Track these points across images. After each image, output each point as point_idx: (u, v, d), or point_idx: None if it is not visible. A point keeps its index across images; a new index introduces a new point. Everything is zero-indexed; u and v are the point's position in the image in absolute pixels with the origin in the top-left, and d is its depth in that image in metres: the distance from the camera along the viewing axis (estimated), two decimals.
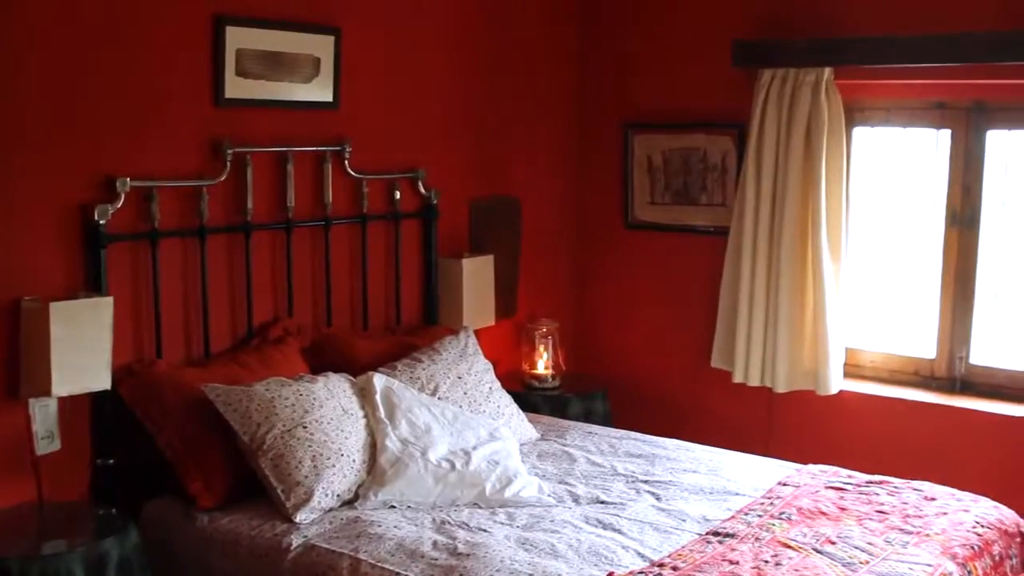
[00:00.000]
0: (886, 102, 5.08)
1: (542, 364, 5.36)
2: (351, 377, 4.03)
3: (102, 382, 3.61)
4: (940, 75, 4.76)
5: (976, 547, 3.42)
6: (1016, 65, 4.51)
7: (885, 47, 4.73)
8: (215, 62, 4.04)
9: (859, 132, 5.16)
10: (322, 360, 4.29)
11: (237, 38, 4.07)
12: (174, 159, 3.97)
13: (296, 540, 3.43)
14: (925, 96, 4.95)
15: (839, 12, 4.92)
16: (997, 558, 3.49)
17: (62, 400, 3.63)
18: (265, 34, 4.17)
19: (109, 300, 3.62)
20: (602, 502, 3.79)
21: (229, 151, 4.07)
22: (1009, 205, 4.89)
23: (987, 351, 4.97)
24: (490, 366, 4.58)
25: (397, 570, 3.21)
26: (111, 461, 3.77)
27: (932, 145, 5.02)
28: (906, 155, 5.14)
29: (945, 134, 4.95)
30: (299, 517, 3.53)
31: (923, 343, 5.10)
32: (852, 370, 5.20)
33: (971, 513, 3.64)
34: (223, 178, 4.08)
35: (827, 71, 4.86)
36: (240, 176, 4.15)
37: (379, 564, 3.25)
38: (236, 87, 4.11)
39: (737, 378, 5.16)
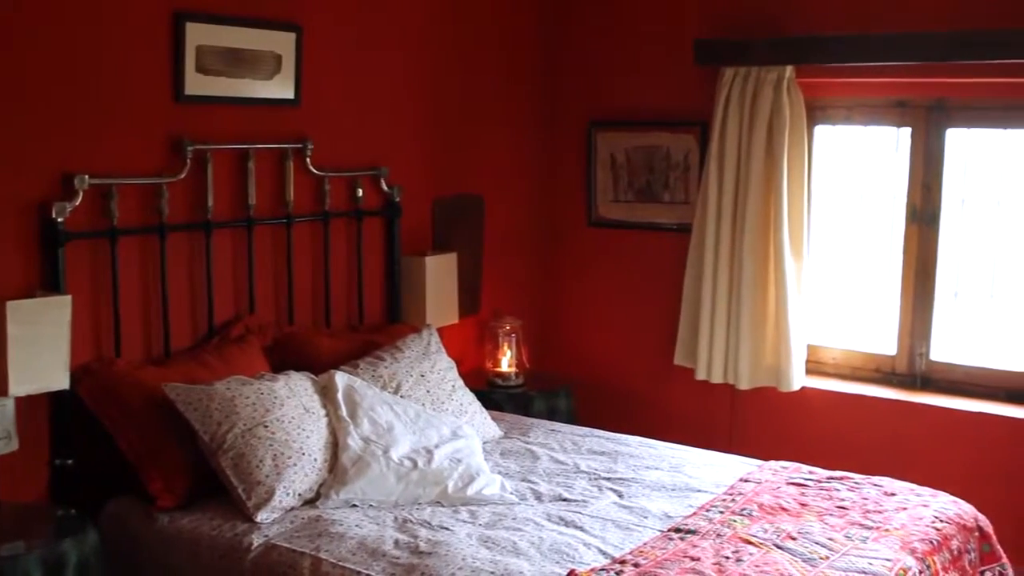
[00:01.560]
0: (847, 100, 5.11)
1: (505, 362, 5.36)
2: (313, 376, 4.01)
3: (60, 382, 3.58)
4: (901, 74, 4.80)
5: (935, 542, 3.45)
6: (975, 64, 4.55)
7: (846, 46, 4.76)
8: (175, 58, 4.01)
9: (820, 130, 5.19)
10: (284, 358, 4.27)
11: (197, 34, 4.04)
12: (134, 156, 3.93)
13: (257, 540, 3.41)
14: (886, 95, 4.99)
15: (801, 11, 4.95)
16: (955, 552, 3.51)
17: (19, 400, 3.58)
18: (226, 31, 4.15)
19: (67, 299, 3.59)
20: (565, 499, 3.79)
21: (189, 148, 4.04)
22: (969, 203, 4.94)
23: (947, 348, 5.01)
24: (453, 364, 4.57)
25: (358, 569, 3.19)
26: (70, 461, 3.74)
27: (893, 143, 5.06)
28: (867, 153, 5.17)
29: (905, 132, 4.99)
30: (260, 516, 3.51)
31: (884, 340, 5.14)
32: (814, 367, 5.24)
33: (930, 508, 3.67)
34: (183, 175, 4.04)
35: (788, 69, 4.89)
36: (201, 173, 4.11)
37: (340, 563, 3.23)
38: (196, 84, 4.08)
39: (700, 375, 5.18)
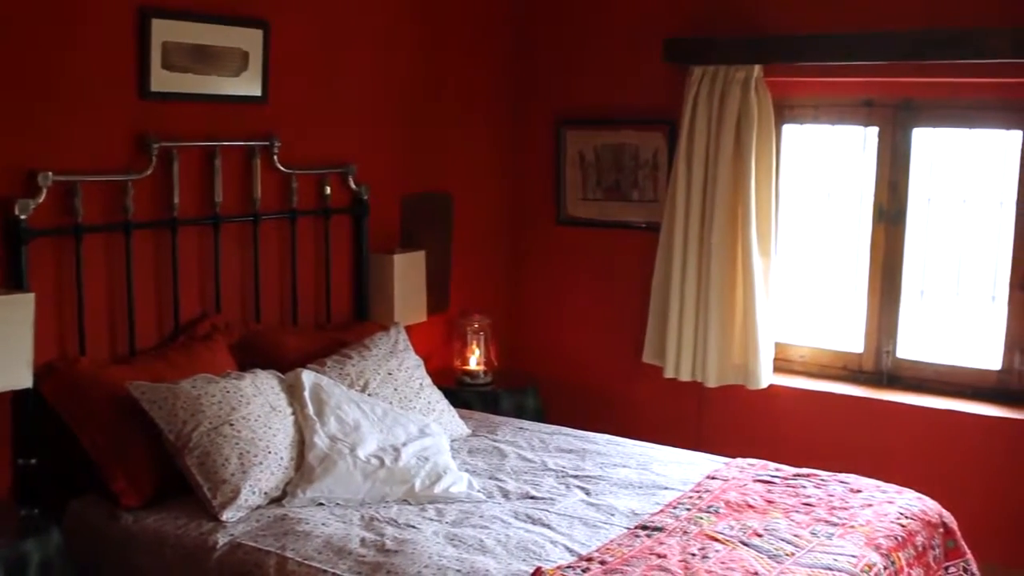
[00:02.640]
0: (815, 100, 5.13)
1: (474, 360, 5.35)
2: (279, 374, 3.99)
3: (23, 380, 3.53)
4: (868, 73, 4.82)
5: (900, 538, 3.47)
6: (942, 63, 4.58)
7: (814, 45, 4.79)
8: (141, 55, 3.98)
9: (788, 129, 5.21)
10: (251, 357, 4.24)
11: (163, 31, 4.01)
12: (98, 153, 3.90)
13: (222, 539, 3.39)
14: (853, 94, 5.01)
15: (769, 10, 4.97)
16: (920, 548, 3.54)
17: None
18: (192, 27, 4.12)
19: (30, 297, 3.54)
20: (532, 497, 3.79)
21: (155, 145, 4.01)
22: (935, 201, 4.97)
23: (913, 345, 5.04)
24: (421, 362, 4.57)
25: (324, 568, 3.18)
26: (33, 461, 3.70)
27: (860, 142, 5.09)
28: (834, 152, 5.20)
29: (872, 131, 5.01)
30: (225, 515, 3.49)
31: (851, 338, 5.17)
32: (782, 364, 5.26)
33: (895, 505, 3.69)
34: (149, 172, 4.01)
35: (757, 68, 4.90)
36: (166, 171, 4.08)
37: (306, 562, 3.22)
38: (162, 80, 4.05)
39: (668, 373, 5.19)
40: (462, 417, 4.56)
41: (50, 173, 3.68)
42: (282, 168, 4.51)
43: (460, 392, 5.12)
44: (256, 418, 3.71)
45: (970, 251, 4.97)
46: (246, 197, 4.42)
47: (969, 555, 3.78)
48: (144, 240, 4.06)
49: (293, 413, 3.85)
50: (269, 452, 3.66)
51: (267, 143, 4.45)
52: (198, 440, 3.59)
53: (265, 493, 3.62)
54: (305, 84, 4.64)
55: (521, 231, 5.85)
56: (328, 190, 4.73)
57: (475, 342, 5.37)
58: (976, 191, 4.91)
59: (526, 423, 4.70)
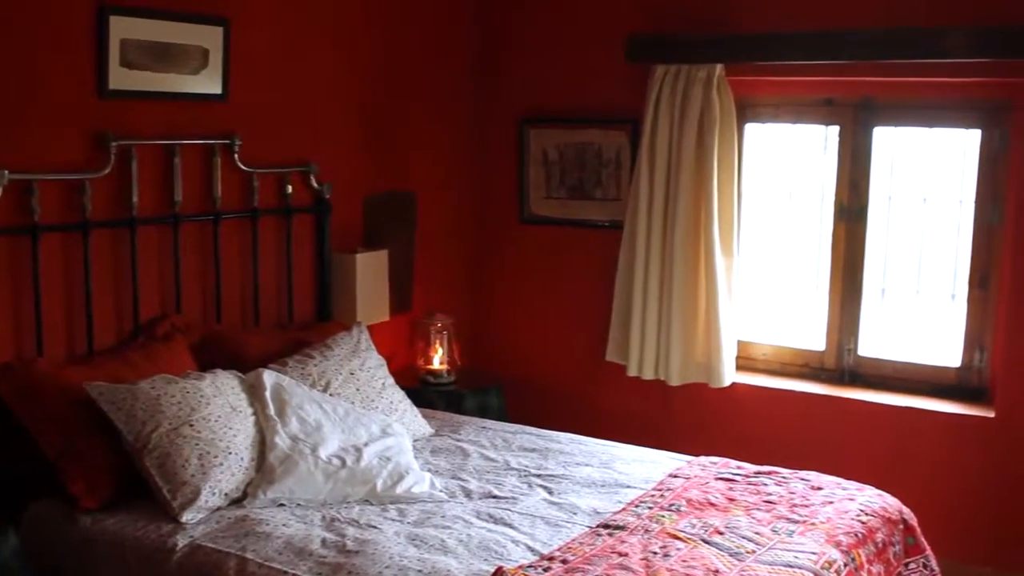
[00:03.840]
0: (776, 98, 5.15)
1: (437, 359, 5.34)
2: (240, 374, 3.96)
3: None
4: (829, 72, 4.85)
5: (860, 535, 3.48)
6: (902, 63, 4.61)
7: (775, 44, 4.80)
8: (99, 52, 3.94)
9: (750, 128, 5.23)
10: (211, 357, 4.21)
11: (122, 28, 3.98)
12: (55, 151, 3.86)
13: (182, 541, 3.36)
14: (814, 93, 5.04)
15: (731, 9, 4.99)
16: (880, 545, 3.55)
17: None
18: (151, 24, 4.08)
19: None
20: (494, 497, 3.78)
21: (113, 143, 3.97)
22: (895, 200, 5.00)
23: (874, 343, 5.07)
24: (383, 362, 4.55)
25: (284, 569, 3.16)
26: None
27: (821, 141, 5.11)
28: (796, 151, 5.22)
29: (833, 130, 5.04)
30: (185, 517, 3.46)
31: (813, 336, 5.19)
32: (744, 363, 5.28)
33: (856, 502, 3.71)
34: (107, 171, 3.97)
35: (718, 67, 4.91)
36: (125, 169, 4.05)
37: (266, 563, 3.20)
38: (121, 78, 4.01)
39: (631, 371, 5.20)
40: (425, 417, 4.55)
41: (6, 172, 3.64)
42: (243, 167, 4.48)
43: (423, 392, 5.10)
44: (216, 419, 3.68)
45: (930, 249, 5.01)
46: (206, 196, 4.39)
47: (929, 551, 3.81)
48: (102, 239, 4.02)
49: (254, 413, 3.82)
50: (229, 453, 3.63)
51: (228, 142, 4.42)
52: (157, 441, 3.56)
53: (225, 494, 3.59)
54: (266, 82, 4.61)
55: (484, 230, 5.84)
56: (290, 189, 4.71)
57: (438, 341, 5.35)
58: (936, 190, 4.95)
59: (489, 422, 4.69)
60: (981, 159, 4.75)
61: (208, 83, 4.33)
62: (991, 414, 4.67)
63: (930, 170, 4.95)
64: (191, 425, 3.61)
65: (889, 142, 4.96)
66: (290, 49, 4.71)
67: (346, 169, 5.02)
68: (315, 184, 4.81)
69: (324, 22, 4.86)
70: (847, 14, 4.74)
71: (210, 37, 4.30)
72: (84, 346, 4.00)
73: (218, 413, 3.70)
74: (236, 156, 4.45)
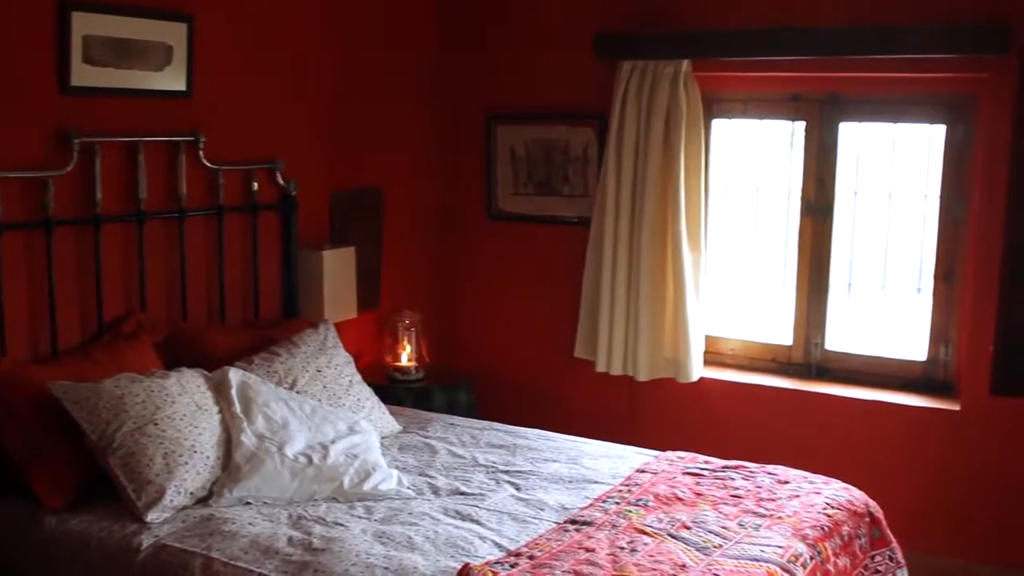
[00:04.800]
0: (743, 94, 5.16)
1: (405, 356, 5.32)
2: (206, 372, 3.94)
3: None
4: (795, 68, 4.86)
5: (826, 528, 3.50)
6: (868, 59, 4.64)
7: (742, 40, 4.82)
8: (60, 49, 3.90)
9: (717, 124, 5.24)
10: (177, 355, 4.19)
11: (84, 24, 3.94)
12: (16, 149, 3.82)
13: (147, 540, 3.34)
14: (780, 89, 5.05)
15: (698, 5, 5.00)
16: (846, 538, 3.57)
17: None
18: (113, 20, 4.05)
19: None
20: (462, 493, 3.78)
21: (76, 141, 3.93)
22: (861, 195, 5.02)
23: (841, 338, 5.10)
24: (350, 359, 4.53)
25: (250, 568, 3.15)
26: None
27: (787, 136, 5.13)
28: (763, 146, 5.24)
29: (800, 126, 5.06)
30: (150, 516, 3.44)
31: (780, 330, 5.21)
32: (712, 358, 5.29)
33: (822, 495, 3.72)
34: (70, 169, 3.94)
35: (685, 64, 4.92)
36: (88, 167, 4.01)
37: (232, 562, 3.18)
38: (83, 75, 3.98)
39: (600, 367, 5.20)
40: (393, 414, 4.54)
41: None
42: (208, 164, 4.45)
43: (392, 389, 5.09)
44: (182, 417, 3.66)
45: (896, 244, 5.03)
46: (171, 193, 4.36)
47: (895, 543, 3.83)
48: (66, 237, 3.99)
49: (220, 412, 3.80)
50: (195, 451, 3.61)
51: (192, 138, 4.38)
52: (122, 440, 3.53)
53: (191, 493, 3.57)
54: (231, 79, 4.58)
55: (452, 226, 5.83)
56: (256, 186, 4.68)
57: (406, 338, 5.34)
58: (901, 185, 4.97)
59: (457, 419, 4.68)
60: (946, 154, 4.78)
61: (172, 80, 4.30)
62: (957, 407, 4.70)
63: (896, 165, 4.97)
64: (156, 424, 3.59)
65: (855, 138, 4.99)
66: (255, 45, 4.68)
67: (313, 166, 4.99)
68: (281, 181, 4.79)
69: (289, 18, 4.83)
70: (814, 11, 4.75)
71: (174, 33, 4.27)
72: (48, 345, 3.96)
73: (183, 412, 3.68)
74: (201, 153, 4.42)
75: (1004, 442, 4.59)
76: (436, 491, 3.80)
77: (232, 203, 4.60)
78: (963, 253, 4.75)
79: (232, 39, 4.57)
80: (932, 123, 4.82)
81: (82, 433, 3.58)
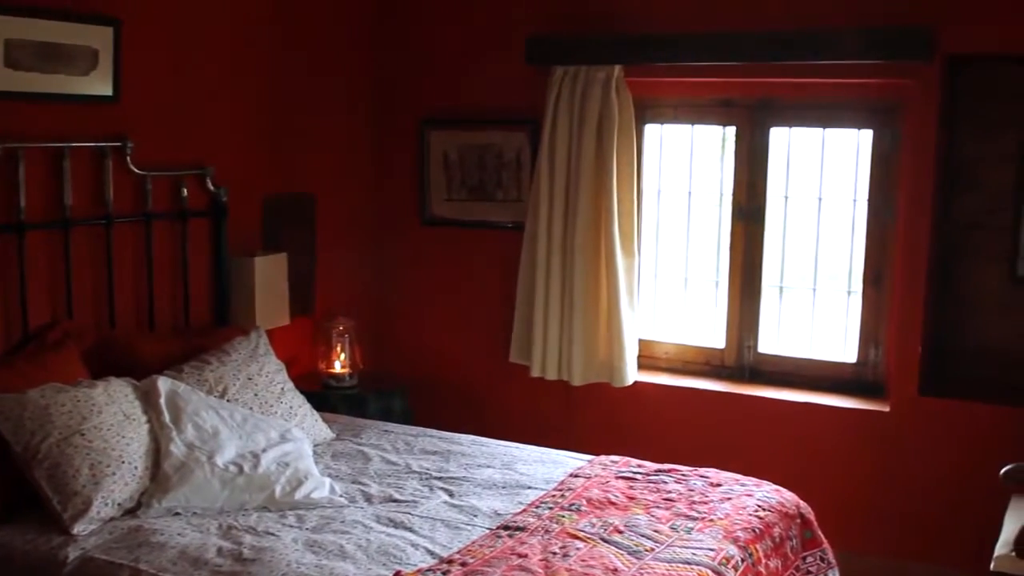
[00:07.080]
0: (674, 100, 5.20)
1: (339, 363, 5.28)
2: (134, 381, 3.89)
3: None
4: (726, 73, 4.90)
5: (757, 530, 3.52)
6: (798, 64, 4.68)
7: (673, 45, 4.85)
8: None
9: (649, 129, 5.26)
10: (105, 364, 4.11)
11: (6, 27, 3.86)
12: None
13: (73, 553, 3.28)
14: (712, 94, 5.09)
15: (630, 10, 5.01)
16: (778, 540, 3.60)
17: None
18: (37, 24, 3.97)
19: None
20: (395, 500, 3.76)
21: None
22: (791, 199, 5.07)
23: (773, 340, 5.14)
24: (282, 366, 4.49)
25: None
26: None
27: (719, 141, 5.17)
28: (694, 151, 5.27)
29: (731, 131, 5.10)
30: (76, 528, 3.38)
31: (713, 334, 5.25)
32: (647, 362, 5.31)
33: (754, 497, 3.75)
34: None
35: (617, 69, 4.94)
36: (11, 173, 3.93)
37: (160, 574, 3.13)
38: (6, 79, 3.90)
39: (535, 372, 5.20)
40: (327, 421, 4.50)
41: None
42: (136, 170, 4.39)
43: (326, 396, 5.05)
44: (109, 427, 3.60)
45: (826, 248, 5.09)
46: (98, 199, 4.29)
47: (826, 544, 3.87)
48: None
49: (148, 421, 3.75)
50: (122, 462, 3.56)
51: (119, 144, 4.32)
52: (47, 451, 3.47)
53: (118, 504, 3.51)
54: (160, 83, 4.52)
55: (386, 232, 5.80)
56: (185, 192, 4.62)
57: (340, 345, 5.30)
58: (831, 189, 5.02)
59: (391, 425, 4.66)
60: (873, 159, 4.85)
61: (98, 84, 4.23)
62: (886, 408, 4.76)
63: (825, 170, 5.03)
64: (82, 434, 3.53)
65: (785, 142, 5.03)
66: (183, 50, 4.62)
67: (243, 171, 4.94)
68: (211, 187, 4.73)
69: (219, 22, 4.78)
70: (744, 16, 4.79)
71: (99, 37, 4.20)
72: None
73: (111, 422, 3.62)
74: (128, 159, 4.35)
75: (933, 442, 4.66)
76: (369, 499, 3.77)
77: (161, 209, 4.54)
78: (891, 256, 4.82)
79: (160, 43, 4.51)
80: (860, 128, 4.88)
81: (6, 444, 3.51)
